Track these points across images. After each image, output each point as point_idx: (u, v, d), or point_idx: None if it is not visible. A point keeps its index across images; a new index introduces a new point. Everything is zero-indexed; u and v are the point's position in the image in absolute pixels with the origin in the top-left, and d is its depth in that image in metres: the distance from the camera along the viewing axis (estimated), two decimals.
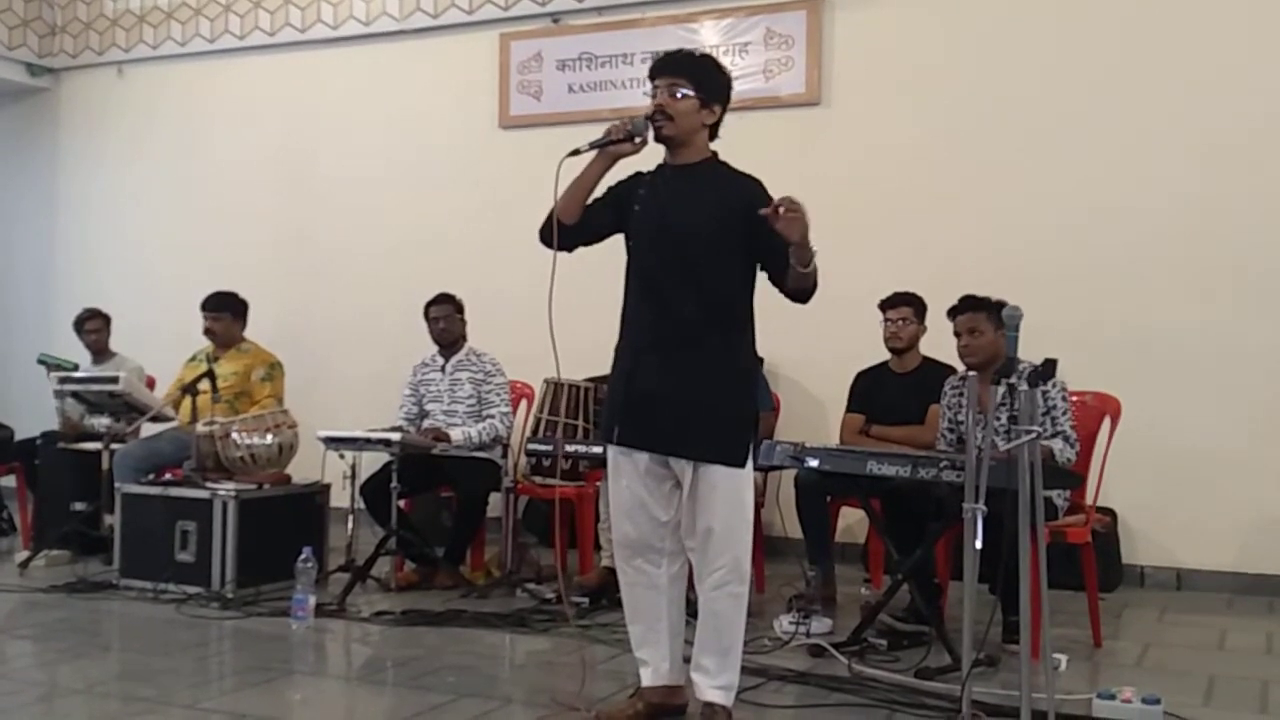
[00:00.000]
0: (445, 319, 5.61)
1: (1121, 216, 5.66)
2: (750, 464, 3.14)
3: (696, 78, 3.13)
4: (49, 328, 8.02)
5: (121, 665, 4.11)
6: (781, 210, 2.89)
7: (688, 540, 3.16)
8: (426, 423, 5.56)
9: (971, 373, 4.28)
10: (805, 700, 3.52)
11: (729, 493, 3.08)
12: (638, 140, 3.12)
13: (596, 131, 3.18)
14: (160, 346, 6.18)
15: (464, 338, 5.67)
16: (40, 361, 6.12)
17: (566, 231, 3.15)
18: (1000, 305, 4.22)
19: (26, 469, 6.31)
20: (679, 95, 3.10)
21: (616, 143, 3.12)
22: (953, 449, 4.47)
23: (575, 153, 3.11)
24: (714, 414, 3.09)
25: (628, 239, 3.24)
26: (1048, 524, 3.66)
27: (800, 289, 3.06)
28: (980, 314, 4.33)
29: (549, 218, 3.13)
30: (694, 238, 3.08)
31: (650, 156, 3.23)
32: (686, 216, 3.10)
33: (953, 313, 4.44)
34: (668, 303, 3.11)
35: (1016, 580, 2.92)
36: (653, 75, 3.17)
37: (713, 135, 3.22)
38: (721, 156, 3.25)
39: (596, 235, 3.25)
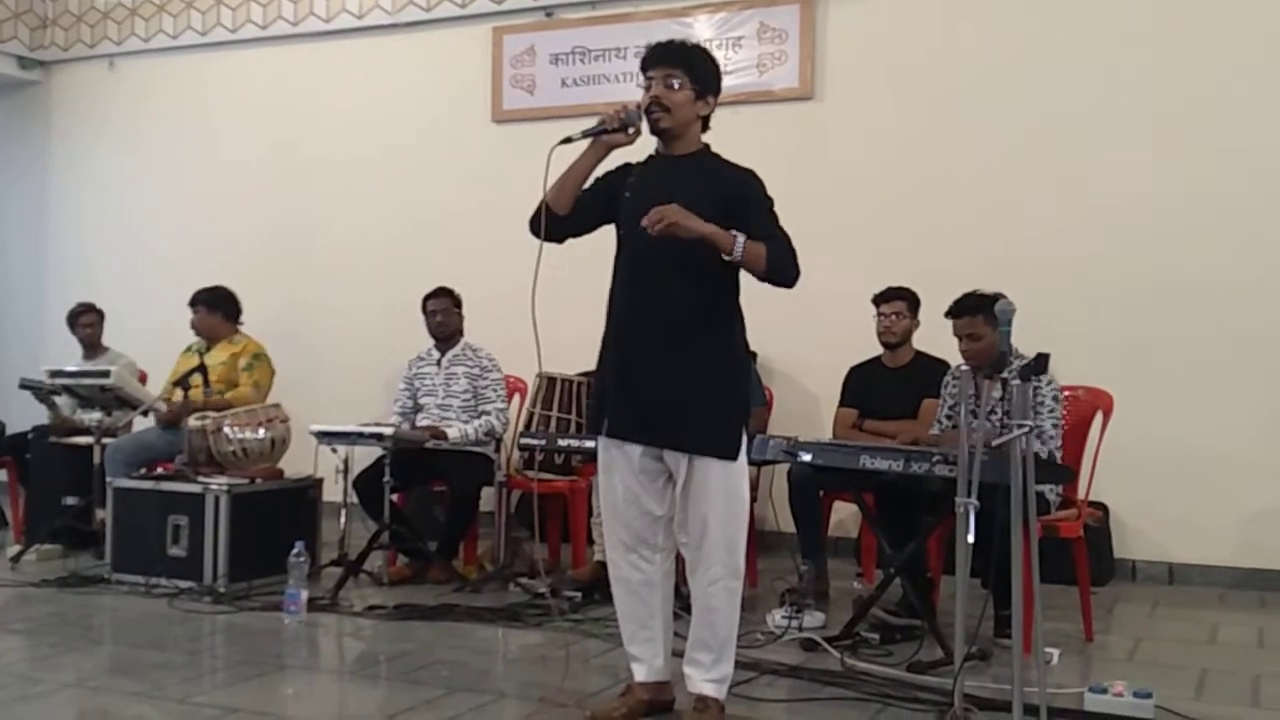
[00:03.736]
0: (443, 312, 5.60)
1: (1115, 212, 5.66)
2: (744, 457, 3.14)
3: (692, 69, 3.11)
4: (41, 322, 8.01)
5: (113, 660, 4.09)
6: (646, 227, 2.95)
7: (681, 535, 3.16)
8: (421, 417, 5.56)
9: (966, 367, 4.27)
10: (797, 694, 3.53)
11: (724, 487, 3.08)
12: (631, 131, 3.11)
13: (594, 123, 3.17)
14: (153, 340, 6.15)
15: (461, 332, 5.66)
16: (23, 386, 6.00)
17: (558, 222, 3.14)
18: (997, 300, 4.21)
19: (18, 463, 6.29)
20: (675, 86, 3.09)
21: (610, 132, 3.10)
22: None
23: (567, 140, 3.09)
24: (706, 406, 3.08)
25: (618, 229, 3.23)
26: (1040, 518, 3.68)
27: (760, 276, 3.06)
28: (978, 317, 4.27)
29: (540, 207, 3.12)
30: None
31: (641, 148, 3.22)
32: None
33: (950, 314, 4.42)
34: (659, 292, 3.09)
35: (1009, 574, 2.93)
36: (645, 67, 3.14)
37: (705, 127, 3.21)
38: (714, 149, 3.23)
39: (586, 226, 3.24)
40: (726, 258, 3.00)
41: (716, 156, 3.21)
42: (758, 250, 3.02)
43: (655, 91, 3.09)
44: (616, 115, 3.10)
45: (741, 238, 3.00)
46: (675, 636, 3.30)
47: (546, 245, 3.13)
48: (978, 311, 4.29)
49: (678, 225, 2.96)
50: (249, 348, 5.91)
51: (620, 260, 3.23)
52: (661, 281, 3.09)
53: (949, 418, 4.57)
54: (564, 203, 3.14)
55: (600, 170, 3.22)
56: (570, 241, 3.26)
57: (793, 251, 3.09)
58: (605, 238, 3.27)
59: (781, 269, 3.07)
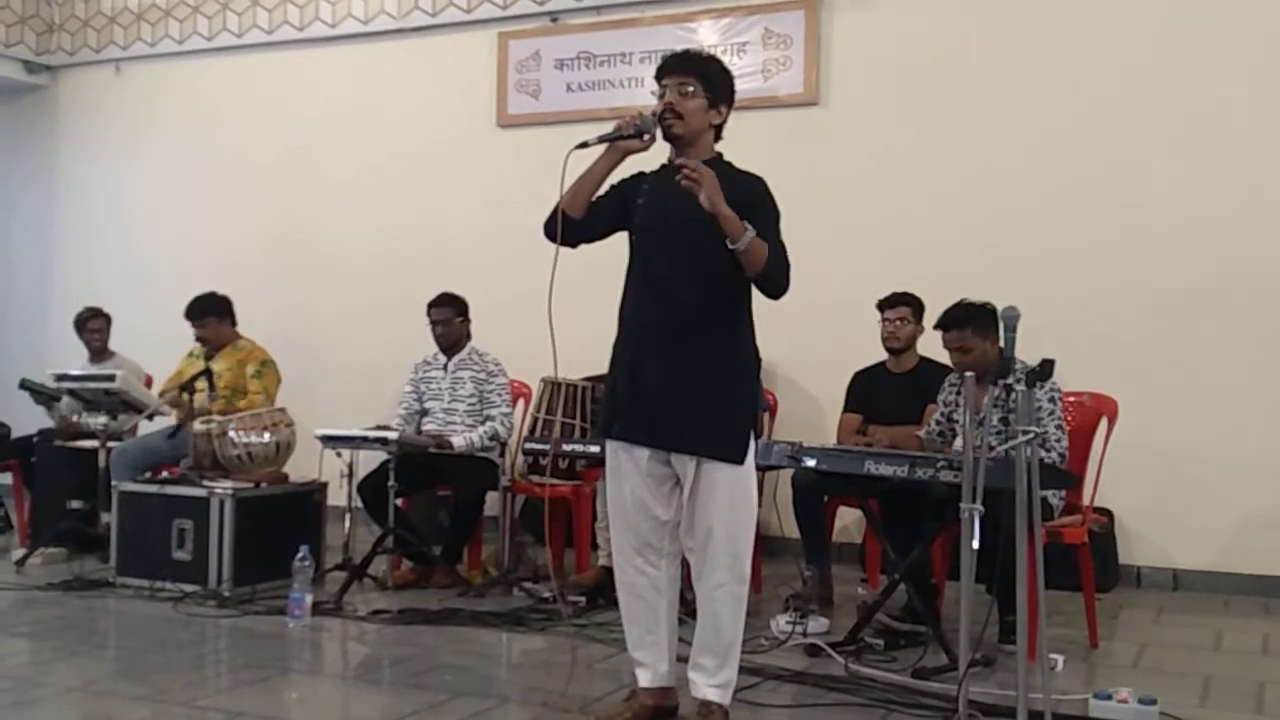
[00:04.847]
0: (443, 324, 5.58)
1: (1119, 218, 5.66)
2: (752, 461, 3.14)
3: (706, 78, 3.15)
4: (46, 326, 8.04)
5: (118, 663, 4.10)
6: (679, 176, 2.96)
7: (687, 540, 3.16)
8: (426, 421, 5.56)
9: (969, 373, 4.26)
10: (802, 700, 3.53)
11: (731, 492, 3.09)
12: (646, 137, 3.13)
13: (599, 128, 3.18)
14: (157, 344, 6.17)
15: (468, 336, 5.65)
16: (23, 387, 6.00)
17: (572, 226, 3.14)
18: (984, 309, 4.21)
19: (23, 466, 6.29)
20: (689, 93, 3.12)
21: (625, 138, 3.12)
22: (939, 441, 4.49)
23: (583, 145, 3.09)
24: (714, 408, 3.08)
25: (631, 235, 3.25)
26: (1045, 524, 3.67)
27: (755, 276, 3.05)
28: (965, 330, 4.27)
29: (554, 211, 3.14)
30: (697, 234, 3.05)
31: (656, 156, 3.23)
32: (690, 213, 3.06)
33: (938, 328, 4.40)
34: (670, 297, 3.11)
35: (1013, 580, 2.93)
36: (660, 75, 3.18)
37: (717, 136, 3.23)
38: (725, 158, 3.24)
39: (599, 231, 3.25)
40: (731, 246, 3.00)
41: (729, 164, 3.22)
42: (761, 249, 3.02)
43: (669, 98, 3.12)
44: (631, 121, 3.12)
45: (752, 231, 3.00)
46: (679, 642, 3.30)
47: (561, 247, 3.14)
48: (964, 325, 4.28)
49: (704, 190, 2.95)
50: (254, 354, 5.92)
51: (632, 266, 3.23)
52: (673, 287, 3.11)
53: (937, 423, 4.58)
54: (578, 207, 3.16)
55: (614, 177, 3.23)
56: (579, 247, 3.26)
57: (787, 264, 3.11)
58: (613, 244, 3.28)
59: (775, 275, 3.07)
